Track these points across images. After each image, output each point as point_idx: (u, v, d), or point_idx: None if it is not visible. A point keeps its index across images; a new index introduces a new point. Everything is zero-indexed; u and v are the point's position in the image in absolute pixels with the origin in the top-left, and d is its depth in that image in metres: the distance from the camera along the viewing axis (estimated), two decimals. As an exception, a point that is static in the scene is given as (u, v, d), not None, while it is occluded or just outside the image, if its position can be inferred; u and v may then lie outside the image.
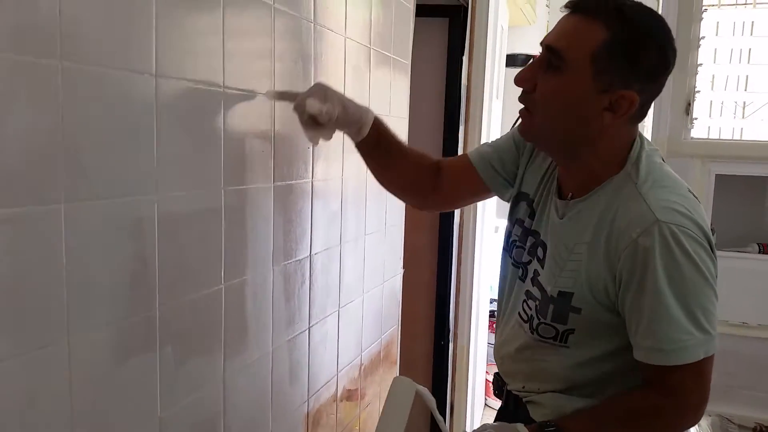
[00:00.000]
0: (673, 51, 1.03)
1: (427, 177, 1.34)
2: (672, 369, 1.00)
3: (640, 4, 1.03)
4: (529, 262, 1.19)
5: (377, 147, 1.27)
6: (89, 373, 0.83)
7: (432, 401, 1.05)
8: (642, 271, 0.99)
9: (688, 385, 1.02)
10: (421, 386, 1.04)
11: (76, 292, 0.80)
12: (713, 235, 2.42)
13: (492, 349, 1.32)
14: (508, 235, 1.26)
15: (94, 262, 0.83)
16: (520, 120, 1.11)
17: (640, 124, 1.15)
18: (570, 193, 1.13)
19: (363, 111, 1.22)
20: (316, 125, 1.14)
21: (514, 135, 1.27)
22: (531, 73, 1.04)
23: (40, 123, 0.74)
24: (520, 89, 1.07)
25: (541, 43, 1.04)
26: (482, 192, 1.34)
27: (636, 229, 0.99)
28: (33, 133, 0.73)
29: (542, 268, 1.15)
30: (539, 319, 1.13)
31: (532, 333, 1.15)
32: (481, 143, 1.81)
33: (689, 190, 1.08)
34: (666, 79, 1.05)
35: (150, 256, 0.93)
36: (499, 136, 1.36)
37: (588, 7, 1.00)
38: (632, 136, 1.09)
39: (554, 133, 1.07)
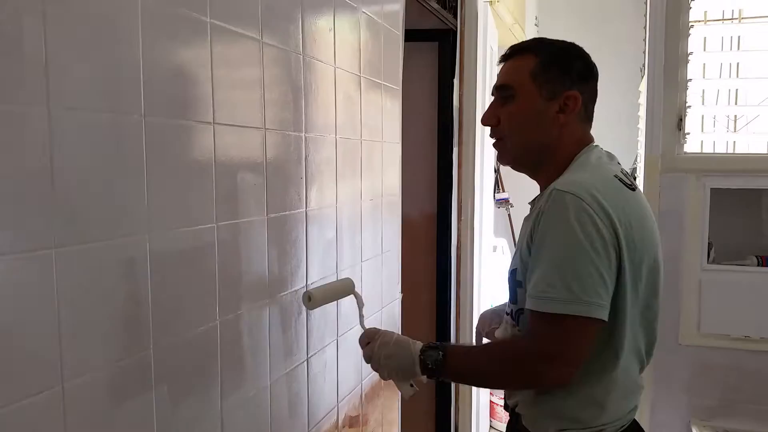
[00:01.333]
0: (593, 63, 1.26)
1: None
2: (538, 316, 1.10)
3: None
4: None
5: None
6: (85, 417, 0.83)
7: (361, 303, 1.37)
8: (538, 232, 1.13)
9: (547, 334, 1.10)
10: (359, 294, 1.37)
11: (69, 336, 0.80)
12: (711, 249, 2.40)
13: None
14: None
15: (87, 305, 0.83)
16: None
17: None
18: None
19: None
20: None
21: None
22: (491, 112, 1.27)
23: (29, 168, 0.74)
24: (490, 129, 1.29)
25: (492, 91, 1.28)
26: None
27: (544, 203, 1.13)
28: (22, 179, 0.73)
29: None
30: (508, 306, 1.27)
31: (509, 317, 1.27)
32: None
33: (621, 181, 1.17)
34: (596, 85, 1.26)
35: (143, 296, 0.92)
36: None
37: (515, 51, 1.26)
38: (585, 140, 1.25)
39: (525, 146, 1.25)
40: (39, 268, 0.76)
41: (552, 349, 1.10)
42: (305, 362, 1.42)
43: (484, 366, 1.19)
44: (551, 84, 1.20)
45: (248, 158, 1.19)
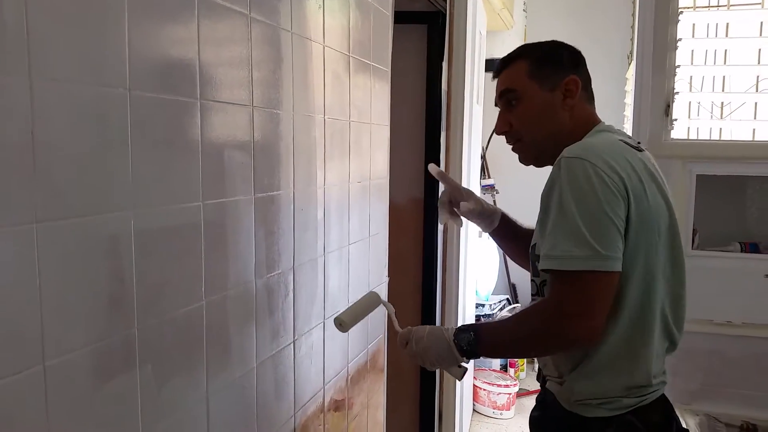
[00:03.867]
0: (577, 50, 1.36)
1: None
2: (558, 275, 1.13)
3: None
4: None
5: (506, 235, 1.59)
6: (67, 397, 0.81)
7: (391, 309, 1.43)
8: (551, 198, 1.17)
9: (566, 293, 1.12)
10: (387, 302, 1.44)
11: (51, 314, 0.77)
12: (695, 235, 2.42)
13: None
14: None
15: (70, 282, 0.80)
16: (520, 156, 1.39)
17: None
18: None
19: (493, 210, 1.59)
20: (453, 213, 1.58)
21: None
22: (502, 119, 1.36)
23: (10, 141, 0.72)
24: (503, 135, 1.38)
25: (496, 102, 1.38)
26: None
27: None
28: (2, 151, 0.71)
29: None
30: (531, 281, 1.32)
31: (532, 298, 1.34)
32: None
33: (626, 143, 1.23)
34: (586, 67, 1.35)
35: (127, 274, 0.90)
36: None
37: (505, 62, 1.37)
38: (594, 119, 1.33)
39: (543, 137, 1.32)
40: (20, 243, 0.73)
41: (575, 307, 1.11)
42: (291, 344, 1.41)
43: (514, 335, 1.22)
44: (548, 78, 1.31)
45: (235, 136, 1.16)
